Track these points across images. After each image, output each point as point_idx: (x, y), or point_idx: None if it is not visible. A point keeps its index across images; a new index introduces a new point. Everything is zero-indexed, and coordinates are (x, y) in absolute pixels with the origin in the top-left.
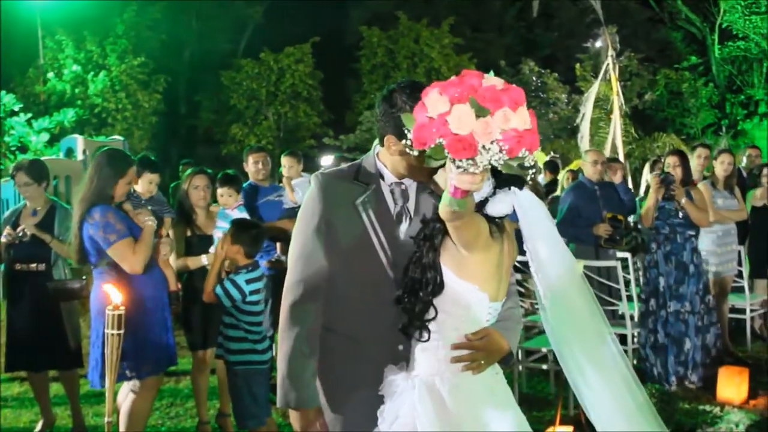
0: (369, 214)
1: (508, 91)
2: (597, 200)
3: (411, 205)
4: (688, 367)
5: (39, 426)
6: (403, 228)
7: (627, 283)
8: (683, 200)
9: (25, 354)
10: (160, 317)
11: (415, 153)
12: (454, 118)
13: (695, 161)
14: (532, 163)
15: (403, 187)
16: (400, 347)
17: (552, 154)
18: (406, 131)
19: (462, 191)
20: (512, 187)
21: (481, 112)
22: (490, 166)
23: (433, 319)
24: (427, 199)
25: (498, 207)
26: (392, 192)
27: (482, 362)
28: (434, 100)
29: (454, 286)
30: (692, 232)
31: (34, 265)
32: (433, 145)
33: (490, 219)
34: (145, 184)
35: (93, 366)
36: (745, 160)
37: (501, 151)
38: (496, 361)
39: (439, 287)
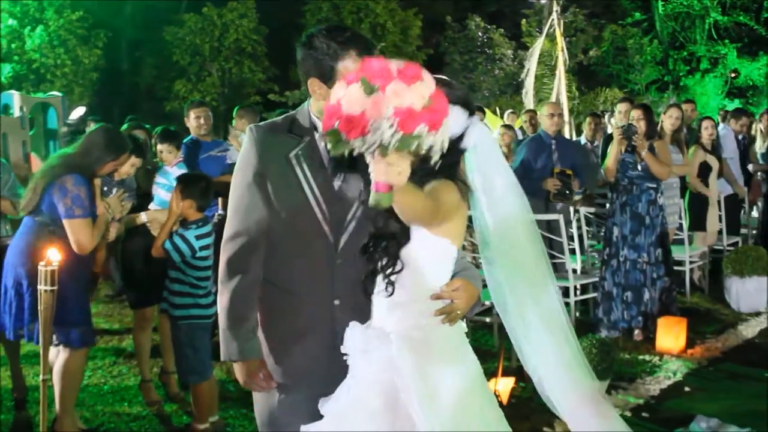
0: (303, 167)
1: (402, 68)
2: (551, 154)
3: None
4: (647, 318)
5: None
6: (338, 181)
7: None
8: (644, 153)
9: None
10: (84, 286)
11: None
12: (345, 99)
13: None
14: (440, 144)
15: None
16: (336, 302)
17: (509, 110)
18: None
19: (384, 185)
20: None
21: (369, 89)
22: (397, 150)
23: (399, 272)
24: None
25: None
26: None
27: (458, 312)
28: (336, 87)
29: (427, 241)
30: (651, 185)
31: None
32: (330, 130)
33: (458, 180)
34: (127, 166)
35: (6, 319)
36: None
37: (392, 126)
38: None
39: (405, 238)
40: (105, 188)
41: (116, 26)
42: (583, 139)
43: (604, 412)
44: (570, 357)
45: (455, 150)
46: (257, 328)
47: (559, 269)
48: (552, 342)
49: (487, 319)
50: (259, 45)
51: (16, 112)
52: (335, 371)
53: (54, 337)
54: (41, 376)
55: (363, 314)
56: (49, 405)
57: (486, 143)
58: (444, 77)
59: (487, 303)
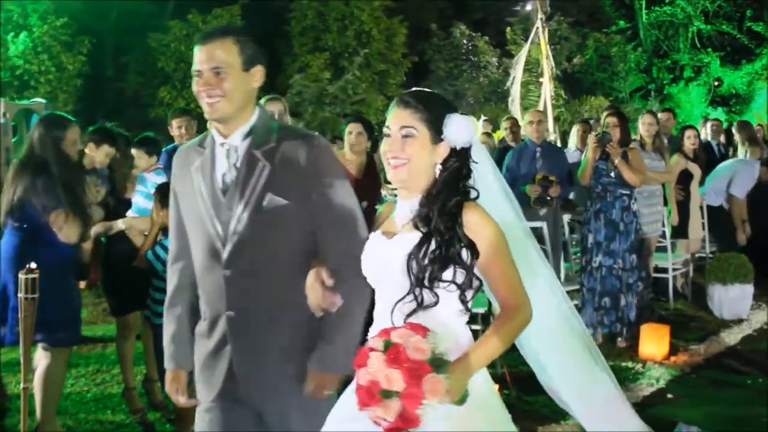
0: (199, 179)
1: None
2: (535, 161)
3: (237, 165)
4: (624, 324)
5: None
6: (222, 193)
7: (565, 242)
8: (617, 160)
9: None
10: (69, 284)
11: None
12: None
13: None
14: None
15: (227, 147)
16: (230, 314)
17: (483, 117)
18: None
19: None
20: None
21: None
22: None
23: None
24: (254, 160)
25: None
26: (227, 154)
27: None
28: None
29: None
30: (625, 192)
31: None
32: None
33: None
34: (101, 156)
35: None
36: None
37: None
38: None
39: (475, 256)
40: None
41: (101, 33)
42: (573, 147)
43: (620, 413)
44: (583, 359)
45: (469, 164)
46: (180, 336)
47: None
48: (562, 346)
49: (473, 327)
50: None
51: (0, 119)
52: (234, 387)
53: (38, 336)
54: (22, 384)
55: (267, 330)
56: (30, 413)
57: (480, 150)
58: (427, 90)
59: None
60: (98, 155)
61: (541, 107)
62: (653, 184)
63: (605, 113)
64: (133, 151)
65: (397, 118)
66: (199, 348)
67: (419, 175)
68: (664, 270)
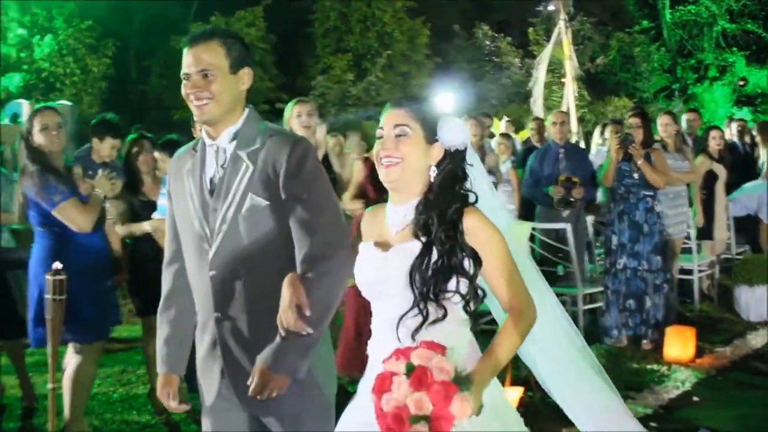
0: (189, 182)
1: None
2: (558, 162)
3: (224, 166)
4: (649, 326)
5: None
6: (208, 193)
7: (589, 243)
8: (640, 161)
9: None
10: (101, 283)
11: None
12: None
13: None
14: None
15: (215, 148)
16: (216, 314)
17: (505, 118)
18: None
19: None
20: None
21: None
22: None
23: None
24: (239, 161)
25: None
26: (216, 155)
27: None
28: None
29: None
30: (648, 193)
31: None
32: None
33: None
34: (106, 149)
35: (29, 326)
36: (684, 124)
37: None
38: None
39: (478, 265)
40: (90, 172)
41: (125, 35)
42: (605, 148)
43: (623, 424)
44: (582, 366)
45: (464, 166)
46: (172, 340)
47: (568, 278)
48: (562, 354)
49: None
50: (267, 53)
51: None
52: (229, 390)
53: (68, 335)
54: (50, 384)
55: (254, 332)
56: (58, 413)
57: (473, 155)
58: (408, 96)
59: None
60: (103, 148)
61: (564, 108)
62: (678, 185)
63: (628, 114)
64: (157, 153)
65: (391, 118)
66: (197, 350)
67: (412, 175)
68: (690, 272)
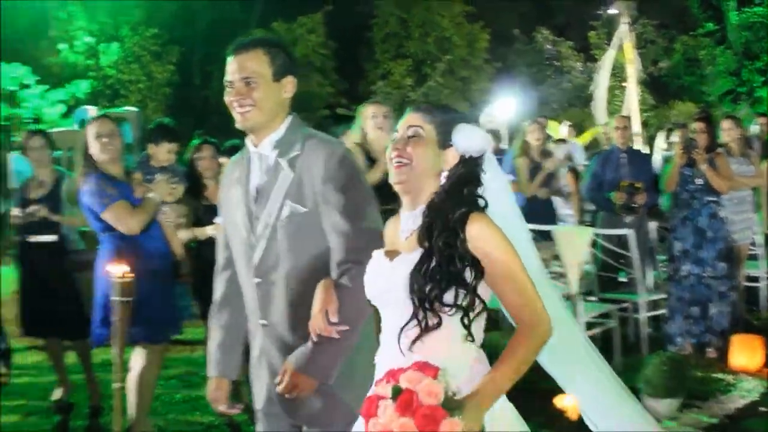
0: (238, 190)
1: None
2: (620, 167)
3: (266, 174)
4: (714, 334)
5: (57, 394)
6: (252, 200)
7: (652, 250)
8: (703, 166)
9: (41, 322)
10: (163, 285)
11: None
12: None
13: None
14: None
15: (258, 155)
16: (262, 322)
17: (566, 122)
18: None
19: None
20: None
21: None
22: None
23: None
24: (279, 168)
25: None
26: (259, 163)
27: None
28: None
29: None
30: (712, 198)
31: (45, 238)
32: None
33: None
34: (162, 153)
35: (94, 326)
36: (757, 128)
37: None
38: None
39: (478, 276)
40: (149, 176)
41: (189, 42)
42: (669, 152)
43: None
44: (598, 375)
45: (479, 173)
46: (223, 346)
47: (630, 284)
48: (579, 365)
49: None
50: (327, 59)
51: None
52: (276, 397)
53: (135, 336)
54: (116, 384)
55: (296, 340)
56: (123, 413)
57: (492, 163)
58: (431, 104)
59: None
60: (160, 152)
61: (625, 112)
62: (743, 190)
63: (692, 118)
64: (221, 159)
65: (406, 120)
66: (251, 354)
67: (421, 179)
68: (757, 279)
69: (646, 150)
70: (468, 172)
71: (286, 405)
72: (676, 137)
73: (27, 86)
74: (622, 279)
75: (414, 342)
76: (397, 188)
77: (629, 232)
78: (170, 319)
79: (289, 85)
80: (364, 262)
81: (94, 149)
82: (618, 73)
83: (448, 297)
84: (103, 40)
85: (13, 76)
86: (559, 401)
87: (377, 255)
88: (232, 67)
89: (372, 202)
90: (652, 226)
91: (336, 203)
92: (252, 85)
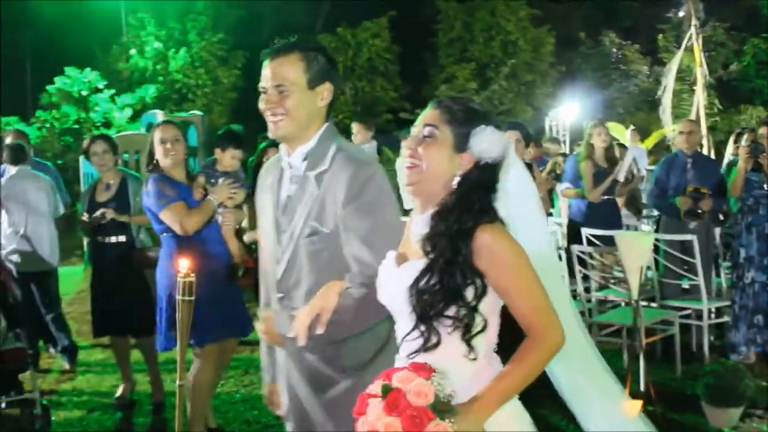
0: (269, 197)
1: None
2: (686, 172)
3: (294, 188)
4: None
5: (120, 391)
6: (280, 212)
7: (716, 257)
8: None
9: (110, 320)
10: (215, 288)
11: None
12: None
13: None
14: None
15: (290, 165)
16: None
17: (631, 127)
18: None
19: None
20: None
21: None
22: None
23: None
24: (306, 183)
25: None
26: (290, 173)
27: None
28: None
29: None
30: None
31: (115, 238)
32: None
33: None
34: (227, 159)
35: (157, 328)
36: None
37: None
38: None
39: (481, 295)
40: (212, 181)
41: (254, 47)
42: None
43: None
44: (603, 386)
45: (494, 181)
46: (267, 351)
47: (693, 291)
48: (585, 378)
49: (617, 340)
50: (391, 64)
51: None
52: (298, 414)
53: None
54: (177, 382)
55: (315, 360)
56: (184, 410)
57: (518, 166)
58: (454, 97)
59: (616, 324)
60: (225, 158)
61: (693, 116)
62: None
63: (760, 123)
64: None
65: (424, 117)
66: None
67: (433, 182)
68: None
69: (713, 155)
70: (481, 179)
71: (299, 424)
72: (743, 142)
73: (99, 90)
74: (685, 285)
75: (412, 356)
76: (408, 190)
77: (693, 238)
78: (221, 322)
79: (326, 93)
80: (373, 285)
81: (159, 153)
82: (686, 77)
83: (450, 312)
84: (172, 46)
85: (85, 80)
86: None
87: (390, 257)
88: (266, 73)
89: (396, 225)
90: (716, 231)
91: (356, 230)
92: (285, 93)
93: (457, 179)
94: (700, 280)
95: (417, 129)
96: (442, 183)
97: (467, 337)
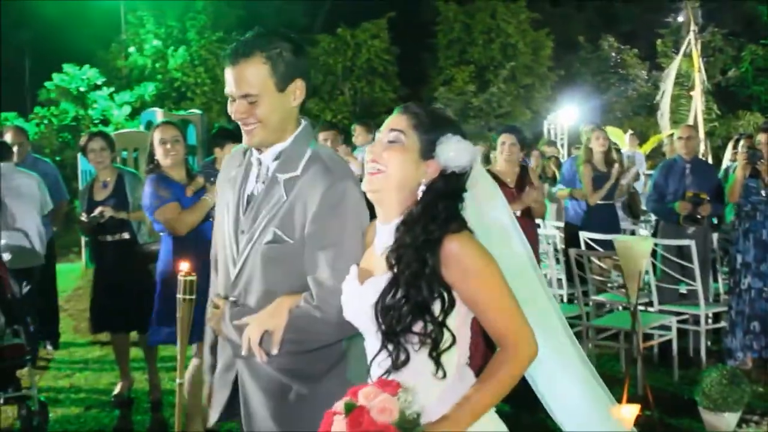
0: (230, 191)
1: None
2: (685, 177)
3: (261, 187)
4: None
5: (118, 388)
6: (242, 211)
7: (714, 262)
8: None
9: (111, 317)
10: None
11: None
12: None
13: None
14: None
15: (259, 162)
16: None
17: (630, 131)
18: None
19: None
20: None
21: None
22: None
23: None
24: (274, 186)
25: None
26: (258, 171)
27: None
28: None
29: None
30: None
31: (118, 236)
32: None
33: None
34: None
35: (152, 323)
36: None
37: None
38: None
39: (448, 310)
40: (211, 179)
41: None
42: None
43: None
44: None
45: (461, 190)
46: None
47: (690, 296)
48: (568, 378)
49: (614, 344)
50: (390, 65)
51: None
52: (248, 419)
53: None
54: (177, 380)
55: (268, 370)
56: (184, 408)
57: (482, 176)
58: (422, 104)
59: (613, 329)
60: (224, 156)
61: (691, 121)
62: None
63: (757, 129)
64: None
65: (391, 122)
66: (218, 365)
67: (396, 190)
68: None
69: (709, 160)
70: (446, 188)
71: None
72: (740, 148)
73: (98, 88)
74: (683, 290)
75: (385, 374)
76: (370, 197)
77: (691, 243)
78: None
79: (298, 91)
80: (330, 314)
81: (159, 153)
82: (684, 82)
83: (416, 329)
84: (171, 44)
85: (84, 77)
86: (617, 411)
87: (352, 273)
88: (230, 80)
89: (364, 247)
90: (714, 237)
91: (322, 248)
92: (254, 102)
93: (422, 188)
94: (698, 286)
95: (383, 134)
96: (407, 191)
97: (435, 354)
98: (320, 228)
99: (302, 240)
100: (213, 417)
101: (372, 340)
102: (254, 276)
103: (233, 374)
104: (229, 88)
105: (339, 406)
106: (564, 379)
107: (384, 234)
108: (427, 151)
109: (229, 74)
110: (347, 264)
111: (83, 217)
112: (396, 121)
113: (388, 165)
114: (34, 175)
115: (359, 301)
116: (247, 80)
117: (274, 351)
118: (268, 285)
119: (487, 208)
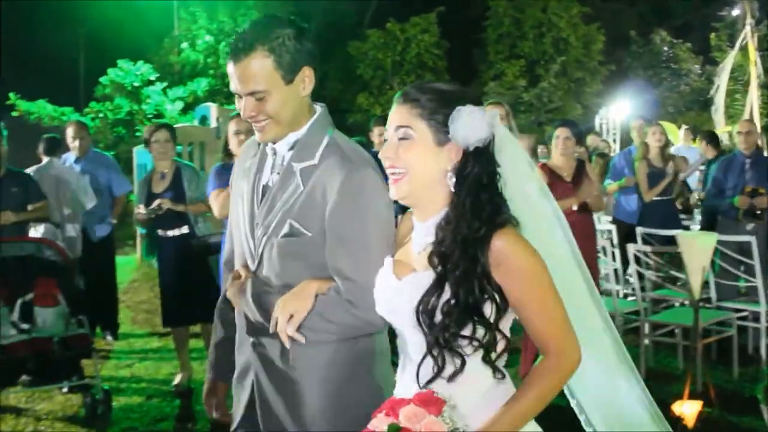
0: (245, 182)
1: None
2: (744, 172)
3: (277, 177)
4: None
5: (177, 379)
6: (257, 205)
7: None
8: None
9: (179, 311)
10: None
11: None
12: None
13: None
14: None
15: (273, 151)
16: (252, 339)
17: (684, 126)
18: None
19: None
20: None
21: None
22: None
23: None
24: (291, 176)
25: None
26: (273, 161)
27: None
28: None
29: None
30: None
31: (178, 230)
32: None
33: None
34: None
35: None
36: None
37: None
38: None
39: (502, 311)
40: None
41: None
42: None
43: None
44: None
45: (494, 168)
46: (219, 348)
47: (750, 293)
48: (609, 385)
49: (672, 340)
50: (439, 59)
51: (213, 123)
52: (252, 416)
53: None
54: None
55: (287, 366)
56: None
57: (510, 144)
58: (436, 82)
59: (671, 324)
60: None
61: (747, 116)
62: None
63: None
64: None
65: (394, 117)
66: (237, 362)
67: (425, 188)
68: None
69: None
70: (478, 171)
71: (264, 425)
72: None
73: (151, 83)
74: (742, 288)
75: (429, 383)
76: (402, 203)
77: (752, 239)
78: None
79: (307, 79)
80: (357, 306)
81: (232, 144)
82: (739, 76)
83: (467, 332)
84: (222, 39)
85: (137, 73)
86: (678, 407)
87: (387, 265)
88: (235, 77)
89: (388, 237)
90: None
91: (345, 240)
92: (262, 99)
93: (449, 174)
94: (758, 282)
95: (389, 133)
96: (435, 184)
97: (488, 359)
98: (340, 219)
99: (321, 232)
100: (235, 421)
101: (410, 339)
102: (270, 272)
103: (251, 378)
104: (234, 85)
105: (378, 424)
106: (608, 385)
107: (421, 232)
108: (442, 135)
109: (232, 71)
110: (370, 256)
111: (141, 209)
112: (398, 115)
113: (406, 166)
114: (77, 173)
115: (397, 297)
116: (251, 77)
117: (299, 337)
118: (288, 280)
119: (519, 181)
